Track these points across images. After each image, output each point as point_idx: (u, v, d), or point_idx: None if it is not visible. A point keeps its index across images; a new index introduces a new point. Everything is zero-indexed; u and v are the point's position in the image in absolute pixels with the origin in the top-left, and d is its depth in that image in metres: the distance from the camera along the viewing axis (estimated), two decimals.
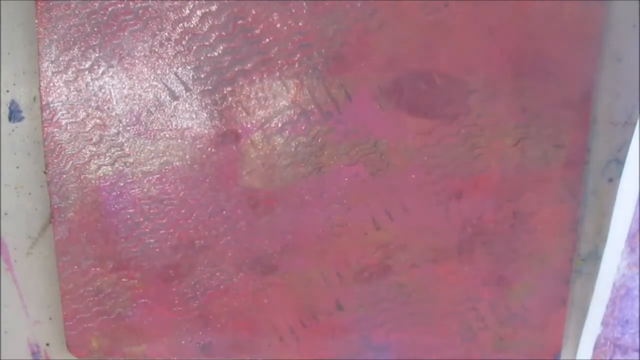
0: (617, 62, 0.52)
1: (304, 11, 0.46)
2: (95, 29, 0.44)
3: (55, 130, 0.46)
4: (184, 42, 0.45)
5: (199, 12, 0.45)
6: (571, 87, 0.51)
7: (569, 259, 0.54)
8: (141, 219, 0.48)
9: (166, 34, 0.45)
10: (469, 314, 0.52)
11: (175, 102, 0.46)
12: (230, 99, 0.47)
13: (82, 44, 0.45)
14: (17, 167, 0.49)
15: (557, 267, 0.53)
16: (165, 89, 0.46)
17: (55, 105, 0.45)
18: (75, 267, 0.48)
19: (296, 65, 0.47)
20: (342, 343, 0.53)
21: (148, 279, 0.49)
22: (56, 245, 0.48)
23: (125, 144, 0.47)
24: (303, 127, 0.48)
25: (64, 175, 0.46)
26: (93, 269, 0.48)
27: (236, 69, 0.46)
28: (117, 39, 0.45)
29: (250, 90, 0.47)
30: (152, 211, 0.48)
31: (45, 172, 0.47)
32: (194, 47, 0.46)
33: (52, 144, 0.46)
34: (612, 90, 0.53)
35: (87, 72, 0.45)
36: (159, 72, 0.46)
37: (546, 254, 0.53)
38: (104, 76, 0.45)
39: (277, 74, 0.47)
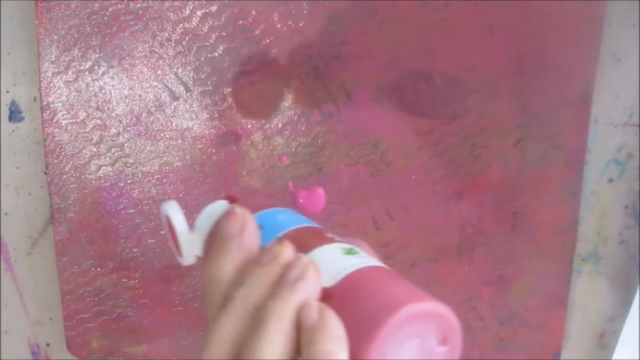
0: (617, 62, 0.52)
1: (304, 11, 0.46)
2: (96, 30, 0.44)
3: (55, 130, 0.46)
4: (184, 43, 0.45)
5: (199, 13, 0.45)
6: (571, 87, 0.51)
7: (569, 259, 0.54)
8: (141, 220, 0.48)
9: (166, 34, 0.45)
10: (469, 313, 0.52)
11: (175, 103, 0.46)
12: (230, 99, 0.47)
13: (82, 44, 0.44)
14: (17, 168, 0.49)
15: (557, 267, 0.54)
16: (166, 89, 0.46)
17: (56, 105, 0.45)
18: (76, 267, 0.48)
19: (296, 66, 0.47)
20: None
21: (148, 279, 0.49)
22: (56, 246, 0.48)
23: (125, 145, 0.47)
24: (303, 128, 0.48)
25: (64, 176, 0.46)
26: (93, 269, 0.48)
27: (236, 70, 0.46)
28: (118, 39, 0.45)
29: (250, 90, 0.47)
30: (152, 212, 0.48)
31: (45, 173, 0.47)
32: (194, 48, 0.46)
33: (52, 144, 0.46)
34: (612, 90, 0.53)
35: (87, 73, 0.45)
36: (159, 72, 0.46)
37: (546, 254, 0.53)
38: (104, 77, 0.45)
39: (277, 74, 0.47)
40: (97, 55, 0.45)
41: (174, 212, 0.32)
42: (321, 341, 0.24)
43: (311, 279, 0.26)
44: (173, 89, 0.46)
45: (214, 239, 0.29)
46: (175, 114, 0.47)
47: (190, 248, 0.32)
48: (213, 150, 0.48)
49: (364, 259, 0.27)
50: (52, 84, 0.45)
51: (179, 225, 0.32)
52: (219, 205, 0.33)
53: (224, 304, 0.25)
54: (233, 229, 0.27)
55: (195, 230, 0.33)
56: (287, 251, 0.27)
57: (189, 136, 0.47)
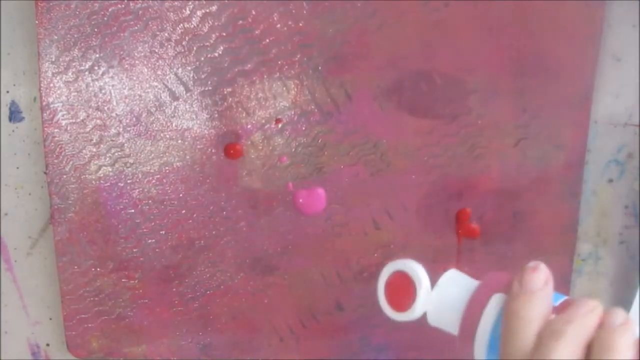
0: (617, 62, 0.52)
1: (304, 11, 0.46)
2: (96, 30, 0.44)
3: (55, 130, 0.46)
4: (184, 43, 0.45)
5: (199, 13, 0.45)
6: (571, 87, 0.51)
7: (569, 259, 0.54)
8: (141, 220, 0.48)
9: (166, 34, 0.45)
10: None
11: (175, 103, 0.46)
12: (230, 99, 0.47)
13: (82, 44, 0.44)
14: (17, 168, 0.49)
15: (557, 267, 0.53)
16: (166, 89, 0.46)
17: (56, 105, 0.45)
18: (75, 267, 0.48)
19: (296, 66, 0.47)
20: (342, 343, 0.53)
21: (148, 279, 0.49)
22: (56, 246, 0.48)
23: (125, 145, 0.47)
24: (303, 128, 0.48)
25: (64, 176, 0.46)
26: (93, 270, 0.48)
27: (236, 70, 0.46)
28: (118, 39, 0.45)
29: (250, 90, 0.47)
30: (152, 212, 0.48)
31: (45, 173, 0.47)
32: (194, 48, 0.46)
33: (52, 144, 0.46)
34: (612, 90, 0.53)
35: (87, 73, 0.45)
36: (159, 72, 0.46)
37: (546, 254, 0.53)
38: (104, 77, 0.45)
39: (277, 74, 0.47)
40: (97, 55, 0.45)
41: (419, 269, 0.37)
42: None
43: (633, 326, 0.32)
44: (173, 89, 0.46)
45: (481, 295, 0.35)
46: (175, 114, 0.47)
47: (423, 304, 0.37)
48: (213, 151, 0.48)
49: None
50: (52, 84, 0.45)
51: (424, 281, 0.37)
52: (457, 273, 0.38)
53: (553, 337, 0.31)
54: (540, 281, 0.33)
55: (435, 289, 0.37)
56: (600, 307, 0.32)
57: (189, 136, 0.47)
